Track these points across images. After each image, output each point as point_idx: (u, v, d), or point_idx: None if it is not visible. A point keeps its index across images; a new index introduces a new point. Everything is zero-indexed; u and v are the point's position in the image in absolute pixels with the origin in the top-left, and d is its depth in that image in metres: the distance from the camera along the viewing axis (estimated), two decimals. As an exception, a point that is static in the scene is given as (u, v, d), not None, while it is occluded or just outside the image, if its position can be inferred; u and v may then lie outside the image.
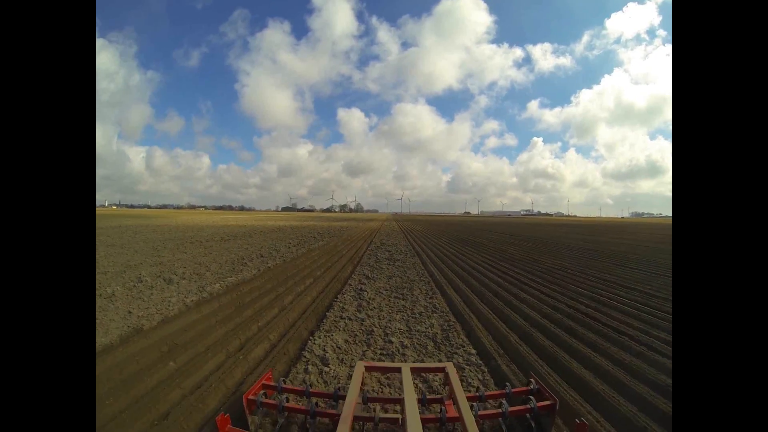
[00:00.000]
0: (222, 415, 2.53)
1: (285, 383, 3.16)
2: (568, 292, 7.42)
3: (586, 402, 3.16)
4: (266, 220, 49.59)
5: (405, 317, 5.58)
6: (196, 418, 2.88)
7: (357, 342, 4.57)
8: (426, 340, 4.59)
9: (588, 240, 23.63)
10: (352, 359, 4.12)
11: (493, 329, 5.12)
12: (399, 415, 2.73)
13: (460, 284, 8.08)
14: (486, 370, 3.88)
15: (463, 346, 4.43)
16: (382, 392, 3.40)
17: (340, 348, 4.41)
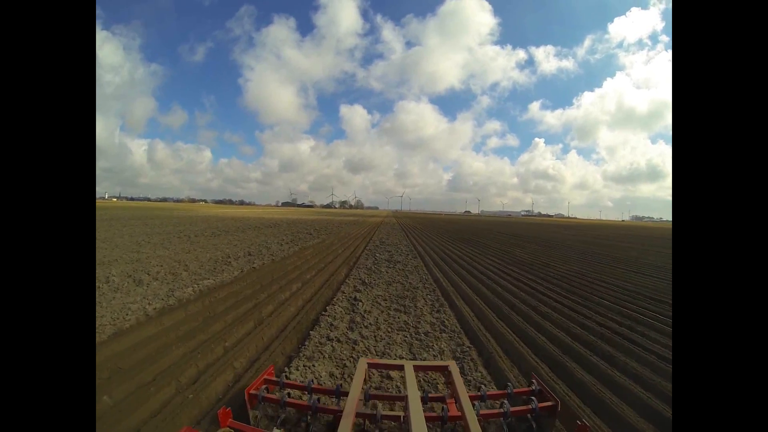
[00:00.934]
0: (223, 408, 2.49)
1: (287, 378, 3.09)
2: (592, 305, 6.44)
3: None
4: (263, 215, 48.55)
5: (408, 339, 4.59)
6: None
7: (346, 376, 3.57)
8: (435, 374, 3.59)
9: (595, 243, 22.67)
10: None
11: (518, 357, 4.13)
12: (401, 413, 2.71)
13: (470, 293, 7.08)
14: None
15: (484, 384, 3.44)
16: (385, 389, 3.35)
17: (322, 384, 3.42)
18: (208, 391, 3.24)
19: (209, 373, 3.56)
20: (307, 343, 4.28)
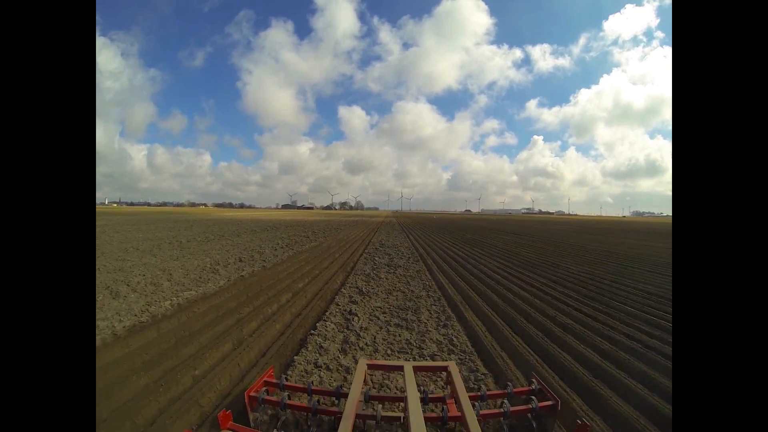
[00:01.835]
0: (224, 411, 2.47)
1: (287, 380, 3.09)
2: (614, 313, 5.76)
3: None
4: (262, 217, 47.88)
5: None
6: None
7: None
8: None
9: (601, 241, 21.97)
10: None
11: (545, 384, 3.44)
12: (401, 414, 2.70)
13: (479, 302, 6.40)
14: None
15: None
16: (384, 389, 3.36)
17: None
18: (164, 440, 2.58)
19: (170, 413, 2.90)
20: (290, 372, 3.60)
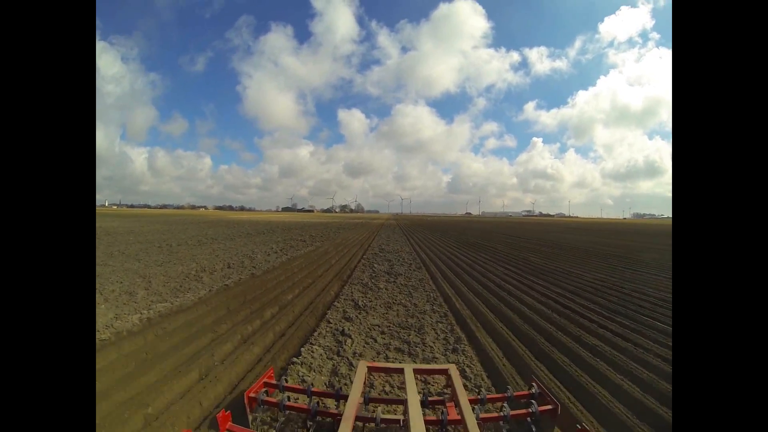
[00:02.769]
0: (223, 412, 2.43)
1: (287, 382, 3.12)
2: (646, 330, 5.01)
3: None
4: (260, 220, 47.12)
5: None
6: None
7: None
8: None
9: (607, 244, 21.23)
10: None
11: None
12: (401, 417, 2.66)
13: (491, 318, 5.65)
14: None
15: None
16: (385, 393, 3.33)
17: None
18: None
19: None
20: (259, 412, 2.86)
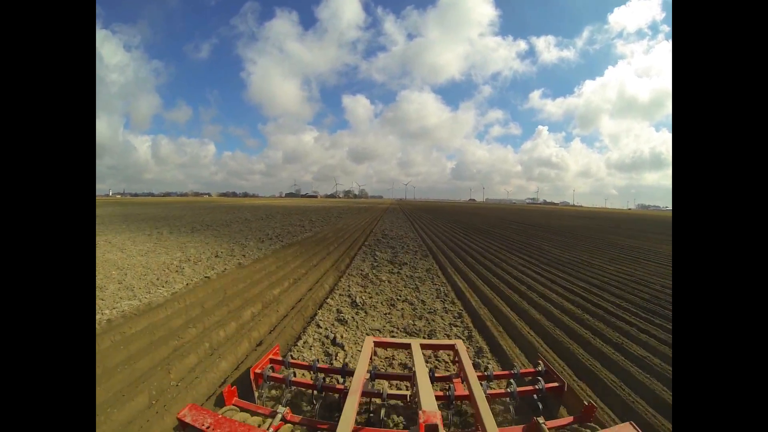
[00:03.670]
0: (228, 387, 2.48)
1: (292, 358, 3.10)
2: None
3: None
4: (263, 205, 46.30)
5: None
6: None
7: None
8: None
9: (621, 234, 20.27)
10: None
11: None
12: (407, 392, 2.67)
13: (515, 319, 4.78)
14: None
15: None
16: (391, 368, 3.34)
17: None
18: None
19: None
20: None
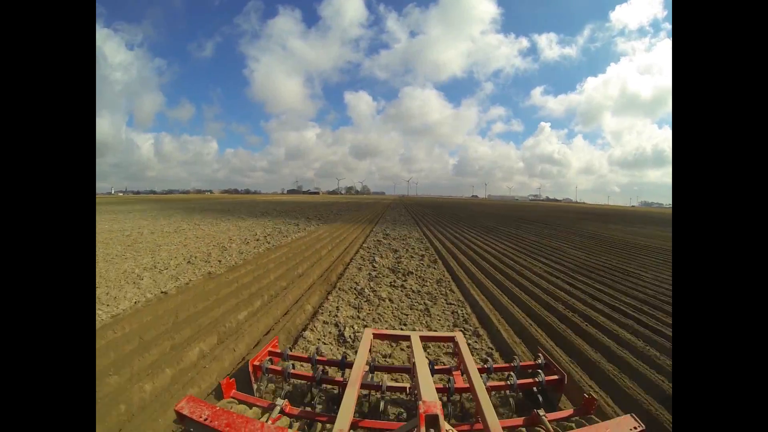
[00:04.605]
0: (227, 379, 2.44)
1: (291, 350, 3.04)
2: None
3: None
4: (262, 201, 45.04)
5: None
6: None
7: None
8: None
9: (639, 233, 18.88)
10: None
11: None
12: (406, 384, 2.68)
13: (566, 361, 3.46)
14: None
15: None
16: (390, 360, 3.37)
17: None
18: None
19: None
20: None
